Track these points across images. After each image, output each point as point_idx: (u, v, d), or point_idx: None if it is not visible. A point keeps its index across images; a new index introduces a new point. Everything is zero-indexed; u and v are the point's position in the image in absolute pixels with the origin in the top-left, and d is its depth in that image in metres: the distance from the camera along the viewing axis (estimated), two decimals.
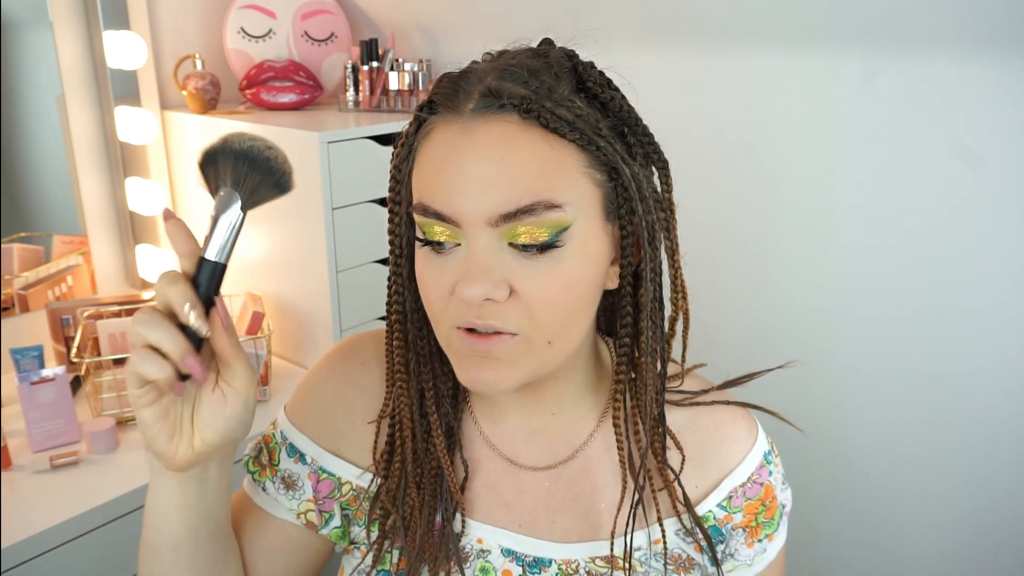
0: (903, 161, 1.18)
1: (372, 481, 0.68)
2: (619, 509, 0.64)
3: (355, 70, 1.62)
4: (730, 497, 0.66)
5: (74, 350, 1.36)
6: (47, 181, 1.55)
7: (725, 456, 0.67)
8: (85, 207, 1.57)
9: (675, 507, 0.64)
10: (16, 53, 1.44)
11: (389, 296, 0.64)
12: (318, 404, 0.70)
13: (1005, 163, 1.10)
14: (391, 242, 0.62)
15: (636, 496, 0.62)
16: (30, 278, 1.51)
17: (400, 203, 0.61)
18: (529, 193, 0.52)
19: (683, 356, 0.68)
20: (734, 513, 0.66)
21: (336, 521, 0.70)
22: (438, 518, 0.66)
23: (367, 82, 1.61)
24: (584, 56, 0.59)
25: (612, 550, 0.64)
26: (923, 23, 1.11)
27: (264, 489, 0.70)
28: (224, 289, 1.80)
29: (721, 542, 0.67)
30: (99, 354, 1.42)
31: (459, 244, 0.54)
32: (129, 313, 1.49)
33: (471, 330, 0.55)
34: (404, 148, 0.59)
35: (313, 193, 1.37)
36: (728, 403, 0.68)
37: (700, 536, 0.65)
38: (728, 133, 1.34)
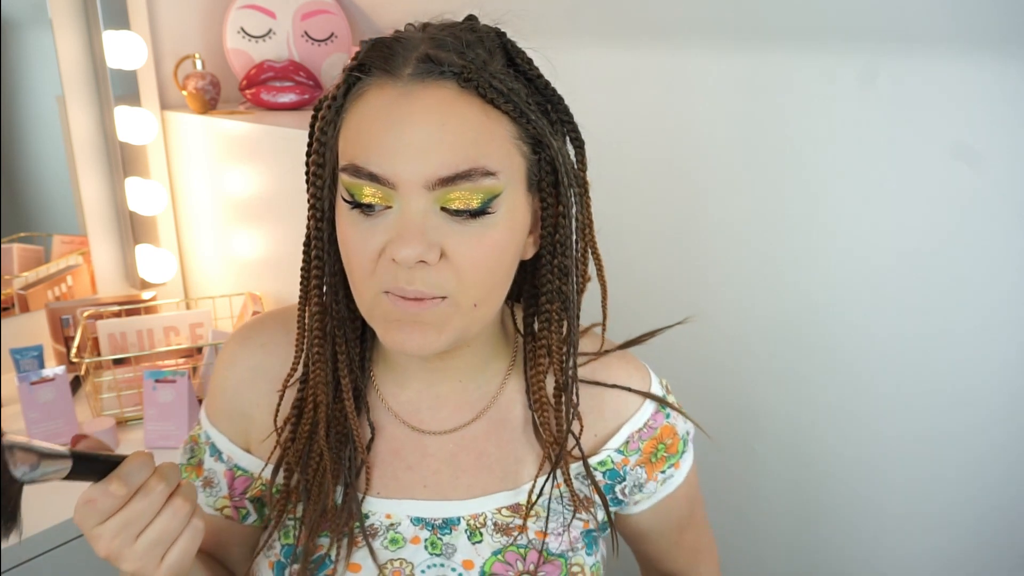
0: (903, 161, 1.18)
1: (274, 449, 0.67)
2: (539, 470, 0.67)
3: None
4: (627, 442, 0.71)
5: (74, 350, 1.36)
6: (47, 181, 1.55)
7: (622, 405, 0.71)
8: (85, 207, 1.57)
9: (563, 463, 0.67)
10: (16, 53, 1.44)
11: (308, 260, 0.64)
12: (226, 397, 0.70)
13: (1005, 162, 1.10)
14: (312, 206, 0.62)
15: (555, 458, 0.66)
16: (30, 278, 1.51)
17: (324, 166, 0.60)
18: (467, 159, 0.53)
19: (603, 326, 0.71)
20: (631, 455, 0.71)
21: (253, 517, 0.72)
22: (340, 486, 0.66)
23: None
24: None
25: (530, 498, 0.66)
26: (923, 23, 1.11)
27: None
28: (224, 289, 1.78)
29: (620, 482, 0.71)
30: (99, 354, 1.42)
31: (390, 207, 0.55)
32: (129, 313, 1.49)
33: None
34: (331, 110, 0.58)
35: None
36: (627, 394, 0.72)
37: (596, 480, 0.70)
38: (726, 133, 1.34)
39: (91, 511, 0.53)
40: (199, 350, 1.45)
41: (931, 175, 1.16)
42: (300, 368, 0.66)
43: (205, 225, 1.64)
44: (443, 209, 0.55)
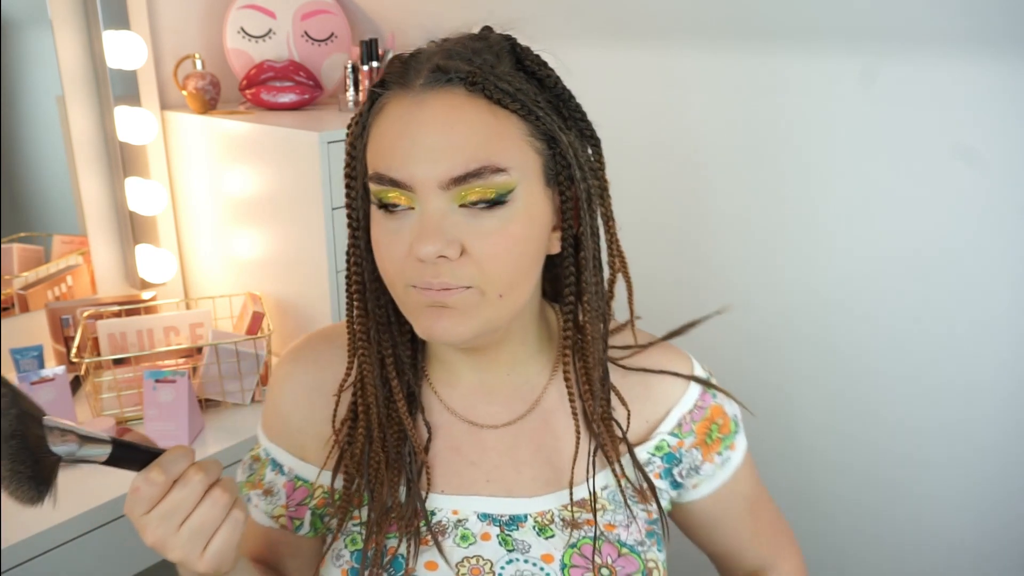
0: (903, 161, 1.18)
1: (329, 454, 0.71)
2: (575, 460, 0.68)
3: (355, 70, 1.62)
4: (680, 424, 0.73)
5: (74, 350, 1.36)
6: (47, 181, 1.55)
7: (669, 389, 0.73)
8: (85, 207, 1.57)
9: (623, 451, 0.70)
10: (16, 53, 1.44)
11: (348, 267, 0.67)
12: (281, 413, 0.74)
13: (1005, 162, 1.10)
14: (349, 215, 0.66)
15: (593, 446, 0.68)
16: (30, 278, 1.51)
17: (356, 177, 0.65)
18: (476, 159, 0.57)
19: (632, 321, 0.74)
20: (685, 437, 0.73)
21: (305, 528, 0.74)
22: (403, 484, 0.68)
23: (367, 82, 1.61)
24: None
25: (571, 497, 0.67)
26: (923, 23, 1.11)
27: (249, 500, 0.75)
28: (224, 289, 1.79)
29: (677, 464, 0.73)
30: (99, 354, 1.42)
31: (413, 208, 0.59)
32: (129, 313, 1.49)
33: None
34: (358, 125, 0.63)
35: (313, 193, 1.37)
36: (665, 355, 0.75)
37: (656, 466, 0.72)
38: (728, 133, 1.34)
39: (136, 499, 0.56)
40: (199, 350, 1.45)
41: (931, 174, 1.16)
42: (353, 373, 0.69)
43: (205, 225, 1.64)
44: (461, 206, 0.58)
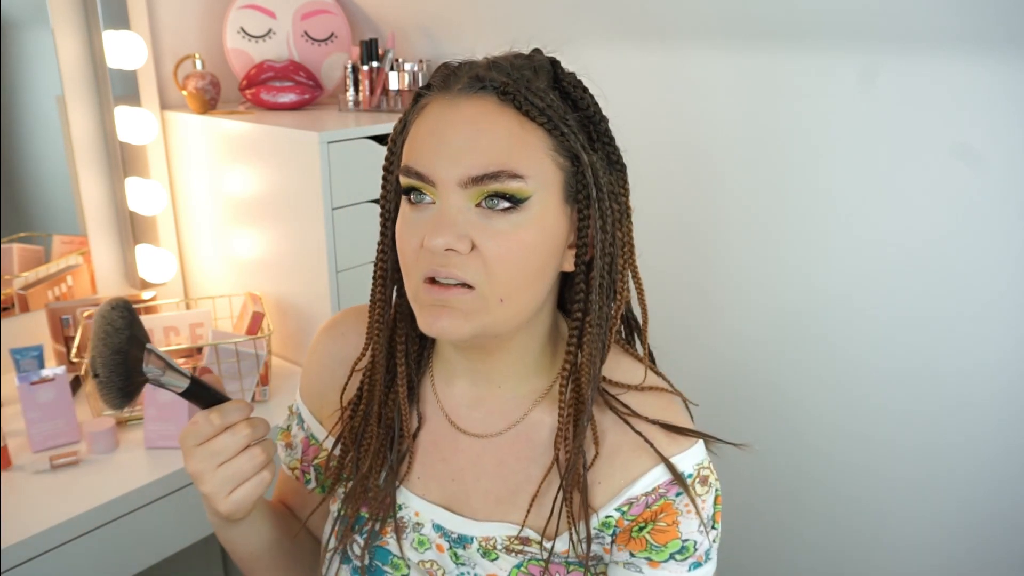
0: (902, 161, 1.18)
1: (336, 424, 0.77)
2: (536, 494, 0.68)
3: (355, 70, 1.62)
4: (630, 504, 0.67)
5: (74, 350, 1.36)
6: (47, 181, 1.55)
7: (635, 463, 0.67)
8: (85, 207, 1.57)
9: (577, 514, 0.66)
10: (16, 53, 1.44)
11: (376, 257, 0.71)
12: (310, 377, 0.82)
13: (1005, 162, 1.10)
14: (382, 207, 0.70)
15: (562, 478, 0.66)
16: (30, 278, 1.51)
17: (392, 171, 0.69)
18: (496, 162, 0.59)
19: (646, 352, 0.73)
20: (627, 519, 0.67)
21: (312, 483, 0.83)
22: (385, 469, 0.73)
23: (367, 82, 1.61)
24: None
25: (520, 532, 0.69)
26: (923, 23, 1.12)
27: (277, 452, 0.82)
28: (224, 289, 1.79)
29: (613, 543, 0.69)
30: None
31: (434, 203, 0.62)
32: None
33: (434, 283, 0.61)
34: (400, 122, 0.68)
35: (313, 193, 1.37)
36: (669, 426, 0.68)
37: (604, 542, 0.68)
38: (727, 134, 1.34)
39: (192, 431, 0.65)
40: (199, 350, 1.45)
41: (932, 173, 1.17)
42: (367, 356, 0.74)
43: (205, 225, 1.64)
44: (477, 206, 0.60)
